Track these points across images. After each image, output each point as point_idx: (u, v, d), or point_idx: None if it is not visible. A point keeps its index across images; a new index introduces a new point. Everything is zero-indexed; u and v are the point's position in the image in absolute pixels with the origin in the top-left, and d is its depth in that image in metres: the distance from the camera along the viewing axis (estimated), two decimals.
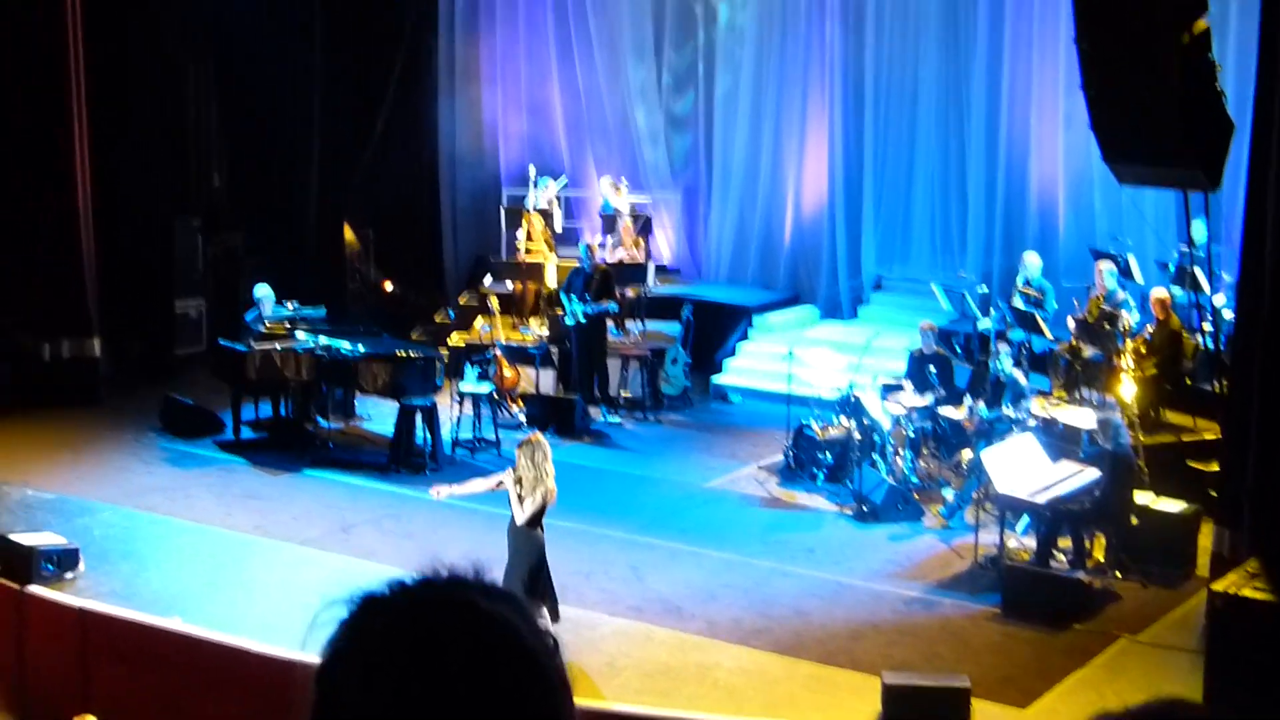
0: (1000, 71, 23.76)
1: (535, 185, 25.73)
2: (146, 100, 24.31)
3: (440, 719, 1.99)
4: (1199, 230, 18.58)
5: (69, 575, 15.71)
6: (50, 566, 15.54)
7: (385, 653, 2.03)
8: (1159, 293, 19.61)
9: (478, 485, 14.38)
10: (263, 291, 21.56)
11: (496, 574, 13.85)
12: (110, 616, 14.96)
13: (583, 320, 22.05)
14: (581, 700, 9.57)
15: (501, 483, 13.91)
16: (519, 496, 13.65)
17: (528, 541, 13.73)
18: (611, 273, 22.76)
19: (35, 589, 15.29)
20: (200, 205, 25.57)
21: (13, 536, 15.90)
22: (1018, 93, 23.69)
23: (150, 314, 24.37)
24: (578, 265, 22.70)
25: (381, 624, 2.06)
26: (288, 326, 21.06)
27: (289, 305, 21.74)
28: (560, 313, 22.49)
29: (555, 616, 13.79)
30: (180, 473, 19.65)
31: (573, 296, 22.16)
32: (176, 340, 24.53)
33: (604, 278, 22.39)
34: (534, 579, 13.67)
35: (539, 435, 14.41)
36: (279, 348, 20.54)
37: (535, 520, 13.69)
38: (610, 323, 22.88)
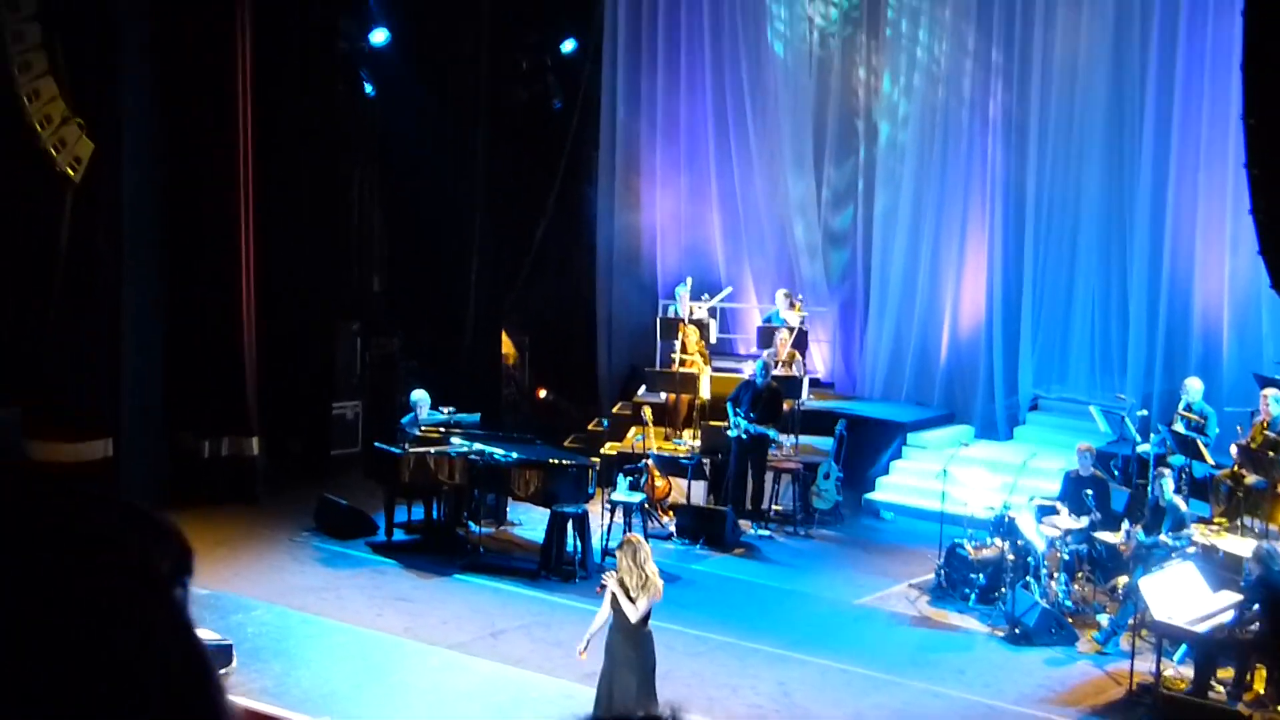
0: (1165, 192, 23.54)
1: (682, 293, 25.71)
2: (311, 203, 24.69)
3: None
4: None
5: (222, 671, 15.83)
6: None
7: None
8: None
9: (600, 616, 14.10)
10: (419, 395, 21.79)
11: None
12: (263, 715, 15.06)
13: (745, 437, 22.02)
14: None
15: (606, 587, 13.86)
16: (629, 598, 13.61)
17: (642, 640, 13.70)
18: (781, 392, 22.72)
19: None
20: (360, 309, 25.90)
21: None
22: (1183, 214, 23.45)
23: (308, 414, 24.66)
24: (749, 378, 22.70)
25: None
26: (442, 431, 21.23)
27: (444, 410, 21.92)
28: (725, 425, 22.46)
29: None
30: (333, 573, 19.79)
31: (739, 410, 22.16)
32: (332, 441, 24.79)
33: (774, 396, 22.38)
34: (649, 677, 13.70)
35: (638, 536, 14.41)
36: (433, 452, 20.69)
37: (646, 619, 13.70)
38: (767, 441, 22.80)
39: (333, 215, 25.26)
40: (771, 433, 22.42)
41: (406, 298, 26.62)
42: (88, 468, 21.76)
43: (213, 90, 22.45)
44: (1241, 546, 17.49)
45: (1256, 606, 15.73)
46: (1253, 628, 15.78)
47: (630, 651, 13.71)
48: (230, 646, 16.11)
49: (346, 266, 25.75)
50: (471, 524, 21.11)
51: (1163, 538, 17.81)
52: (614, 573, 13.80)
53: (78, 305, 21.79)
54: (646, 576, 13.59)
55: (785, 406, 23.62)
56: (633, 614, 13.59)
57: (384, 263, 26.70)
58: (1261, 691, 15.87)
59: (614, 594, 13.66)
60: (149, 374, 22.56)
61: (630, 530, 20.66)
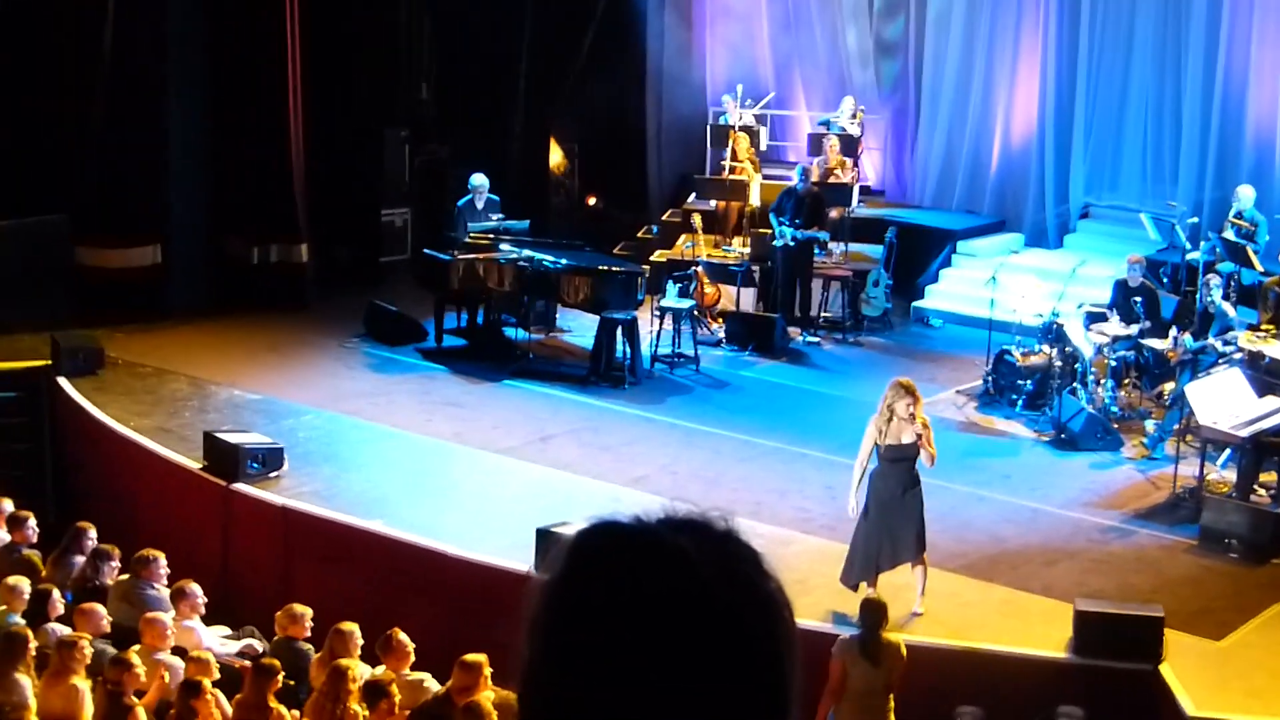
0: None
1: (729, 101, 25.65)
2: (359, 11, 24.54)
3: (627, 661, 2.09)
4: None
5: (273, 474, 16.06)
6: (256, 465, 15.90)
7: (587, 588, 2.14)
8: None
9: (860, 467, 13.74)
10: (479, 180, 21.87)
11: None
12: (313, 516, 15.32)
13: (791, 244, 21.96)
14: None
15: (875, 440, 13.52)
16: (926, 440, 13.35)
17: (918, 487, 13.61)
18: (823, 196, 22.64)
19: (241, 486, 15.68)
20: (408, 117, 25.79)
21: (220, 435, 16.29)
22: (1238, 20, 23.13)
23: (356, 222, 24.65)
24: (790, 186, 22.57)
25: (589, 558, 2.17)
26: (492, 237, 21.25)
27: (494, 218, 21.92)
28: (769, 234, 22.41)
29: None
30: (383, 378, 19.94)
31: (783, 219, 22.07)
32: (382, 248, 24.82)
33: (815, 201, 22.27)
34: (924, 523, 13.61)
35: (909, 380, 13.92)
36: (482, 258, 20.72)
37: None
38: (815, 245, 22.75)
39: (380, 22, 25.08)
40: (821, 234, 22.36)
41: (455, 105, 26.49)
42: (135, 274, 21.97)
43: None
44: None
45: None
46: None
47: (911, 501, 13.57)
48: (281, 450, 16.34)
49: (394, 74, 25.60)
50: (521, 330, 21.15)
51: (1210, 343, 17.78)
52: (884, 420, 13.48)
53: (122, 111, 21.84)
54: (919, 418, 13.41)
55: (835, 214, 23.56)
56: (930, 459, 13.44)
57: (432, 70, 26.53)
58: None
59: (905, 443, 13.36)
60: (196, 180, 22.60)
61: (679, 337, 20.73)
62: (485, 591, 13.89)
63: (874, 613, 11.91)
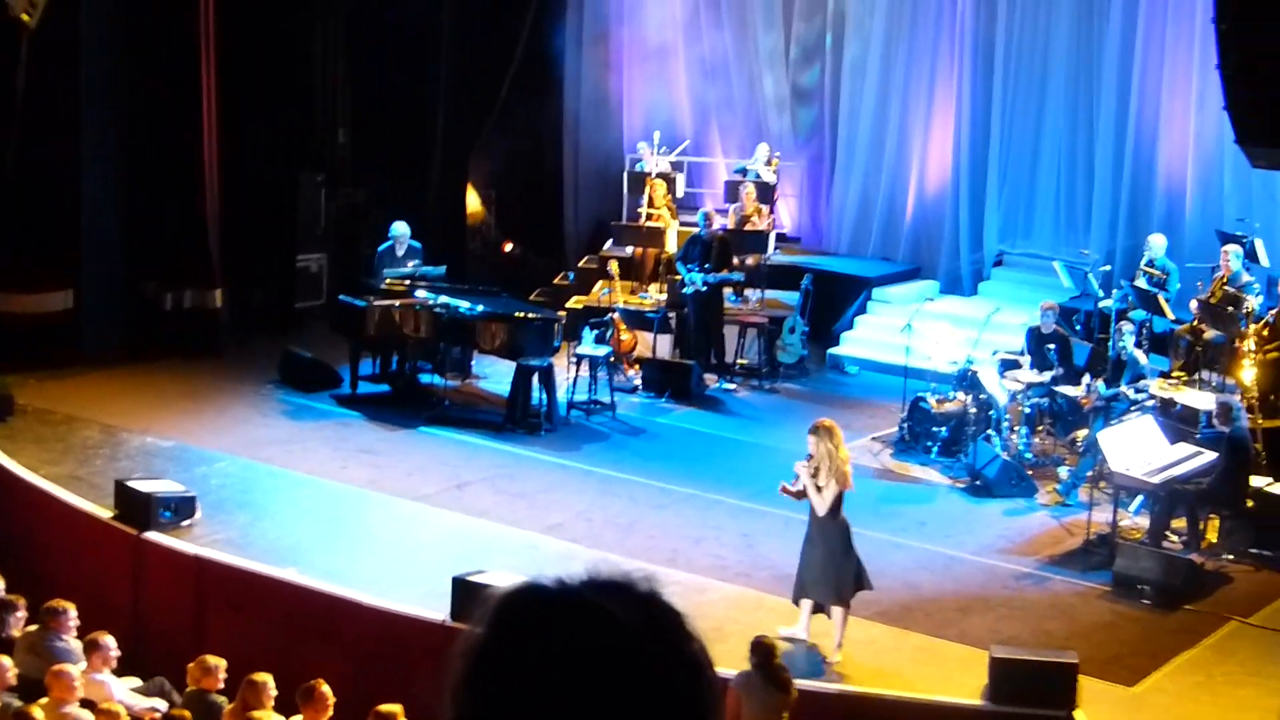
0: (1132, 49, 23.45)
1: (645, 149, 25.73)
2: (274, 55, 24.43)
3: (557, 706, 2.12)
4: None
5: (186, 523, 15.89)
6: (168, 514, 15.73)
7: (515, 643, 2.17)
8: None
9: (800, 483, 13.70)
10: (401, 229, 21.88)
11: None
12: (226, 565, 15.18)
13: (703, 289, 21.99)
14: None
15: (799, 480, 13.58)
16: (817, 487, 13.37)
17: (831, 531, 13.50)
18: (730, 241, 22.69)
19: (153, 535, 15.53)
20: (324, 161, 25.71)
21: (131, 483, 16.11)
22: (1149, 71, 23.39)
23: (272, 267, 24.52)
24: (695, 234, 22.62)
25: (517, 616, 2.21)
26: (408, 284, 21.20)
27: (410, 263, 21.89)
28: (678, 280, 22.45)
29: (868, 585, 13.70)
30: (297, 425, 19.81)
31: (691, 265, 22.10)
32: (297, 294, 24.70)
33: (722, 246, 22.31)
34: (849, 562, 13.55)
35: (832, 421, 13.96)
36: (398, 304, 20.67)
37: (836, 509, 13.48)
38: (729, 290, 22.81)
39: (296, 66, 25.00)
40: (735, 275, 22.39)
41: (372, 150, 26.42)
42: (48, 319, 21.75)
43: None
44: (1199, 400, 17.64)
45: (1216, 458, 15.92)
46: (1205, 479, 15.97)
47: (816, 544, 13.59)
48: (194, 498, 16.17)
49: (310, 118, 25.52)
50: (437, 376, 21.08)
51: (1123, 390, 17.93)
52: (805, 462, 13.51)
53: (36, 155, 21.66)
54: (835, 464, 13.35)
55: (751, 261, 23.61)
56: (820, 505, 13.40)
57: (349, 115, 26.46)
58: (1214, 541, 16.11)
59: (805, 484, 13.45)
60: (110, 225, 22.44)
61: (595, 383, 20.72)
62: (400, 640, 13.82)
63: (760, 651, 11.83)
